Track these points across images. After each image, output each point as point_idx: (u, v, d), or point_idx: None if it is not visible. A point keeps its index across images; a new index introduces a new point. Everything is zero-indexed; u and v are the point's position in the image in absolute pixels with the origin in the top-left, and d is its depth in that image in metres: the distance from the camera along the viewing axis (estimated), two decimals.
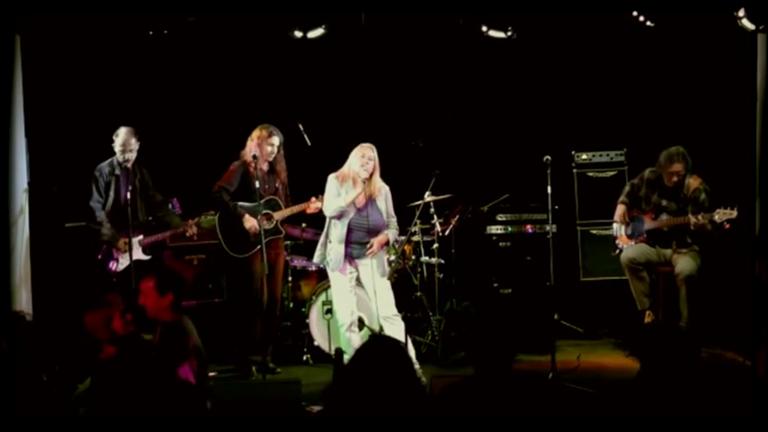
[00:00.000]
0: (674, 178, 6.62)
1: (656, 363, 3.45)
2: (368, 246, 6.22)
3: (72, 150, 7.31)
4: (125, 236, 6.47)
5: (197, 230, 6.72)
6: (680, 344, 3.48)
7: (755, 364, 5.66)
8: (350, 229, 6.23)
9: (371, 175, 6.21)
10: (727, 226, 6.35)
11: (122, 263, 6.51)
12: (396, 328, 6.14)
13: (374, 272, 6.24)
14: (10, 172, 6.11)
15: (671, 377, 3.40)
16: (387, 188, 6.37)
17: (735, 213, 6.29)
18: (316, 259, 6.45)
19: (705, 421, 3.25)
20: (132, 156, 6.59)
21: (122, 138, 6.57)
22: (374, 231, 6.25)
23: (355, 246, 6.26)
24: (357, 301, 6.37)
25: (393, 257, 6.77)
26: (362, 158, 6.21)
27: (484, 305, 7.44)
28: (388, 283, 6.29)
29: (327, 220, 6.34)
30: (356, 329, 6.29)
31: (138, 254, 6.54)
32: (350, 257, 6.28)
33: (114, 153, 6.61)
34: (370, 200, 6.26)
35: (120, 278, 6.47)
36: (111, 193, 6.54)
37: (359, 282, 6.39)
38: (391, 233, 6.35)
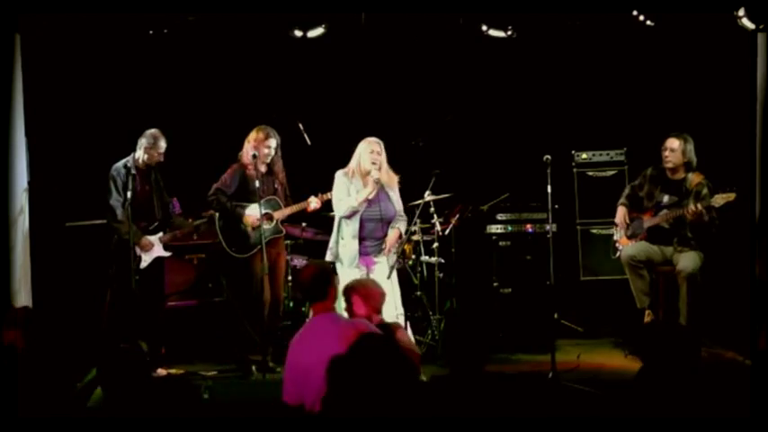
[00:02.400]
0: (666, 153, 6.61)
1: (658, 362, 3.45)
2: (383, 247, 6.21)
3: (72, 150, 7.31)
4: (145, 233, 6.52)
5: (206, 228, 6.83)
6: (682, 342, 3.47)
7: (756, 340, 5.66)
8: (362, 223, 6.23)
9: (380, 166, 6.20)
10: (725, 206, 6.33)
11: (145, 260, 6.54)
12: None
13: (386, 269, 6.21)
14: (10, 172, 6.11)
15: (672, 376, 3.40)
16: (396, 177, 6.37)
17: (733, 196, 6.26)
18: (328, 257, 6.38)
19: (705, 421, 3.25)
20: (161, 158, 6.61)
21: (157, 141, 6.54)
22: (386, 222, 6.23)
23: (369, 242, 6.23)
24: None
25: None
26: (372, 154, 6.20)
27: (480, 304, 7.46)
28: (396, 282, 6.30)
29: (337, 216, 6.33)
30: None
31: (160, 250, 6.60)
32: (365, 255, 6.25)
33: (127, 152, 6.60)
34: (382, 191, 6.25)
35: (142, 275, 6.48)
36: (129, 192, 6.55)
37: None
38: (401, 224, 6.34)
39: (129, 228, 6.34)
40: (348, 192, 6.23)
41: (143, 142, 6.56)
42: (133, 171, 6.55)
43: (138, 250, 6.50)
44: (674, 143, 6.63)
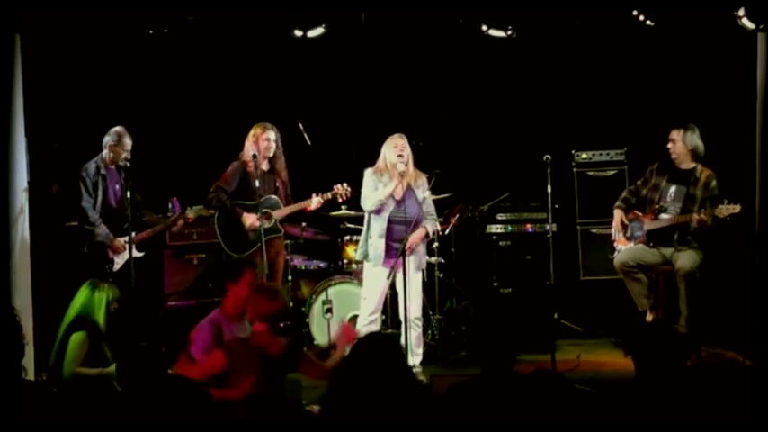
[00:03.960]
0: (669, 145, 6.67)
1: (650, 364, 3.46)
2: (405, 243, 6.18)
3: (72, 150, 7.30)
4: (117, 236, 6.49)
5: (183, 223, 6.78)
6: (674, 346, 3.48)
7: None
8: (389, 224, 6.22)
9: (407, 161, 6.21)
10: (729, 219, 6.36)
11: (118, 262, 6.51)
12: (416, 334, 6.18)
13: (410, 270, 6.20)
14: (10, 172, 6.10)
15: (664, 378, 3.41)
16: (424, 177, 6.37)
17: (738, 208, 6.28)
18: (358, 256, 6.49)
19: (705, 421, 3.25)
20: (128, 155, 6.57)
21: (121, 139, 6.53)
22: (413, 224, 6.22)
23: (397, 243, 6.21)
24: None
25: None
26: (396, 148, 6.21)
27: (484, 304, 7.45)
28: (420, 285, 6.30)
29: (366, 215, 6.35)
30: (374, 327, 6.28)
31: (133, 251, 6.54)
32: (393, 256, 6.22)
33: (99, 151, 6.59)
34: (409, 191, 6.25)
35: (116, 278, 6.47)
36: (100, 193, 6.54)
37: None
38: (429, 224, 6.33)
39: (130, 224, 6.34)
40: (376, 188, 6.25)
41: (107, 140, 6.57)
42: (103, 171, 6.54)
43: (109, 253, 6.48)
44: (673, 134, 6.66)
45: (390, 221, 6.21)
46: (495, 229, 7.91)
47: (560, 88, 8.15)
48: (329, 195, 6.71)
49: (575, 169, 8.09)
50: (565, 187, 7.84)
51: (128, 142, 6.57)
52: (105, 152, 6.58)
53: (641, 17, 6.98)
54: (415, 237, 6.22)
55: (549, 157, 6.19)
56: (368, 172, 6.32)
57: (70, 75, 7.32)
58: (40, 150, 6.69)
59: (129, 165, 6.56)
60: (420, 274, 6.35)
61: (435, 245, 7.19)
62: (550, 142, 7.11)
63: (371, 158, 6.46)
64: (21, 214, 6.17)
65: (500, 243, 7.88)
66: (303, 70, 7.91)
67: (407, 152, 6.24)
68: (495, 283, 7.78)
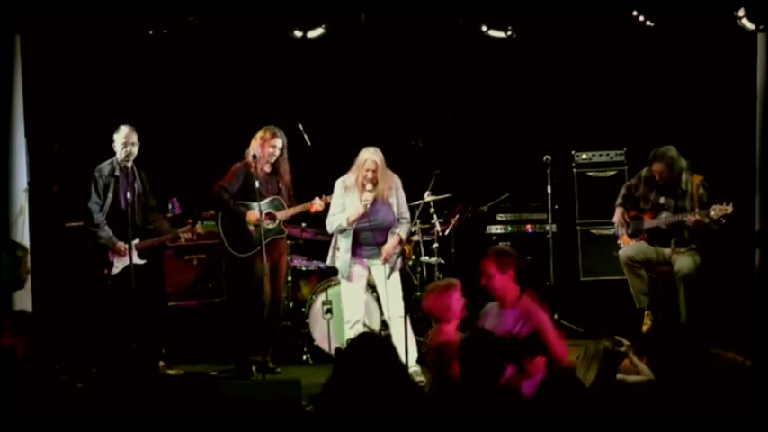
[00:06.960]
0: (657, 177, 6.65)
1: (670, 364, 3.47)
2: (380, 254, 6.19)
3: (72, 150, 7.30)
4: (122, 239, 6.47)
5: (192, 236, 6.75)
6: (694, 346, 3.49)
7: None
8: (355, 233, 6.23)
9: (376, 183, 6.17)
10: (723, 221, 6.36)
11: (117, 266, 6.49)
12: (405, 329, 6.18)
13: (385, 271, 6.20)
14: (10, 172, 6.11)
15: (683, 378, 3.42)
16: (398, 182, 6.33)
17: (730, 209, 6.30)
18: (328, 261, 6.51)
19: (705, 421, 3.25)
20: (134, 151, 6.51)
21: (124, 133, 6.49)
22: (380, 229, 6.22)
23: (365, 248, 6.24)
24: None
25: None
26: (367, 172, 6.15)
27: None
28: (398, 284, 6.29)
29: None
30: (360, 328, 6.28)
31: (135, 258, 6.49)
32: (361, 259, 6.25)
33: (114, 154, 6.57)
34: (377, 199, 6.22)
35: (115, 281, 6.45)
36: (110, 195, 6.49)
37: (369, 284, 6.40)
38: (402, 230, 6.28)
39: (130, 229, 6.32)
40: (342, 206, 6.23)
41: (114, 139, 6.50)
42: (116, 173, 6.49)
43: (110, 256, 6.46)
44: (657, 167, 6.60)
45: (356, 231, 6.22)
46: (494, 229, 7.90)
47: (560, 89, 8.14)
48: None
49: (574, 170, 8.08)
50: (565, 188, 7.84)
51: (134, 138, 6.50)
52: (118, 149, 6.51)
53: (641, 17, 6.98)
54: (388, 247, 6.22)
55: (548, 157, 6.20)
56: (337, 184, 6.30)
57: (70, 75, 7.32)
58: (40, 150, 6.69)
59: (135, 170, 6.52)
60: (398, 273, 6.29)
61: (435, 245, 7.19)
62: (550, 142, 7.12)
63: None
64: (21, 215, 6.17)
65: (500, 244, 7.87)
66: (303, 71, 7.91)
67: (374, 175, 6.15)
68: None
